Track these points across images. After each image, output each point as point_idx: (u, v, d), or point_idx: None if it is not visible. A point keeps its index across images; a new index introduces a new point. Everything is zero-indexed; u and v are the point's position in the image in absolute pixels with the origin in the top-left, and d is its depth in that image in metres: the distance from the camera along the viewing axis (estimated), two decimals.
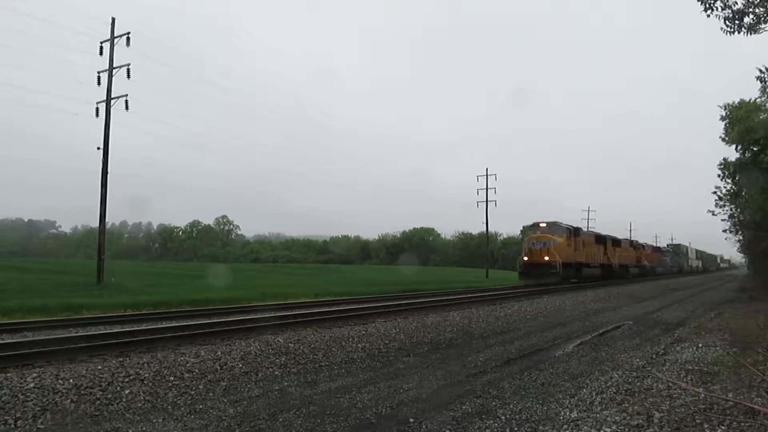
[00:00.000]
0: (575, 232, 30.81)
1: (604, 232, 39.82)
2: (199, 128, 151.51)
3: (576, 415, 5.13)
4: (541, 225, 29.49)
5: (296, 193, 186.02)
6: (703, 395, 5.27)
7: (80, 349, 7.73)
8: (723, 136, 22.66)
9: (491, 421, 5.20)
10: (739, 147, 21.81)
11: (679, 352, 8.71)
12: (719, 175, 25.72)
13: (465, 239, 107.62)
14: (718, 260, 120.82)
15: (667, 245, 72.95)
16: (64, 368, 6.63)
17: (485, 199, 50.64)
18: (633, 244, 46.71)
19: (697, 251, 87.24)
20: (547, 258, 27.64)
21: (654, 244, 63.20)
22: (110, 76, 24.67)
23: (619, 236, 44.00)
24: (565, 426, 4.78)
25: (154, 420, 5.28)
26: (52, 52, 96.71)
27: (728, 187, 26.45)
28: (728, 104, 22.52)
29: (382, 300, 19.46)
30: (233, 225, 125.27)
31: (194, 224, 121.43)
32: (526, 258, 28.67)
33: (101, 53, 24.79)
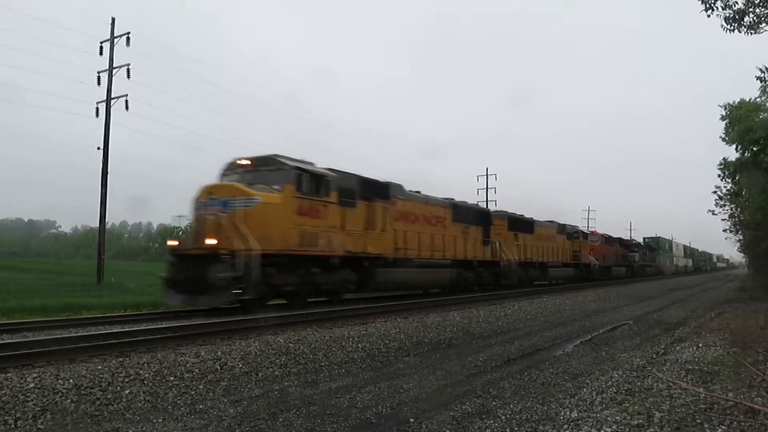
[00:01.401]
0: (368, 188, 15.87)
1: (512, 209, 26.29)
2: (199, 128, 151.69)
3: (576, 414, 5.13)
4: (241, 162, 13.57)
5: None
6: (703, 395, 5.27)
7: (80, 349, 7.71)
8: (723, 136, 22.67)
9: (491, 421, 5.20)
10: (739, 147, 21.79)
11: (680, 352, 8.70)
12: (719, 175, 25.73)
13: None
14: (714, 259, 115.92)
15: (644, 238, 64.55)
16: (64, 368, 6.62)
17: (485, 199, 50.63)
18: (566, 231, 31.60)
19: (685, 248, 79.35)
20: (213, 241, 11.63)
21: (608, 234, 44.75)
22: (110, 76, 24.65)
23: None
24: (565, 426, 4.78)
25: (154, 420, 5.28)
26: (52, 52, 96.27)
27: (728, 187, 26.48)
28: (728, 104, 22.48)
29: (382, 300, 19.43)
30: None
31: None
32: (176, 243, 13.52)
33: (101, 53, 24.75)
